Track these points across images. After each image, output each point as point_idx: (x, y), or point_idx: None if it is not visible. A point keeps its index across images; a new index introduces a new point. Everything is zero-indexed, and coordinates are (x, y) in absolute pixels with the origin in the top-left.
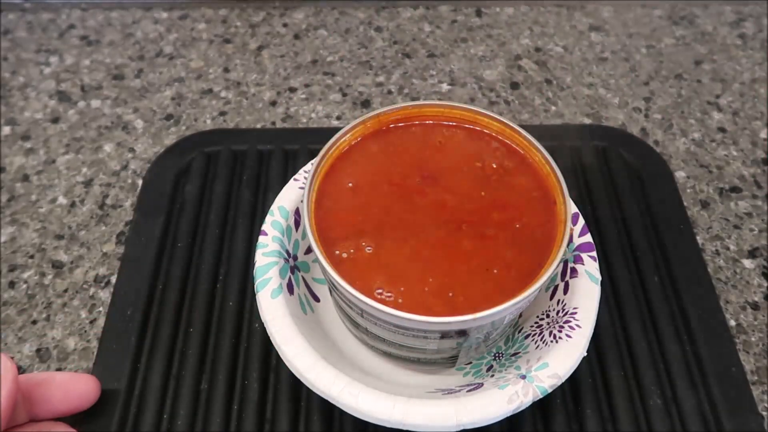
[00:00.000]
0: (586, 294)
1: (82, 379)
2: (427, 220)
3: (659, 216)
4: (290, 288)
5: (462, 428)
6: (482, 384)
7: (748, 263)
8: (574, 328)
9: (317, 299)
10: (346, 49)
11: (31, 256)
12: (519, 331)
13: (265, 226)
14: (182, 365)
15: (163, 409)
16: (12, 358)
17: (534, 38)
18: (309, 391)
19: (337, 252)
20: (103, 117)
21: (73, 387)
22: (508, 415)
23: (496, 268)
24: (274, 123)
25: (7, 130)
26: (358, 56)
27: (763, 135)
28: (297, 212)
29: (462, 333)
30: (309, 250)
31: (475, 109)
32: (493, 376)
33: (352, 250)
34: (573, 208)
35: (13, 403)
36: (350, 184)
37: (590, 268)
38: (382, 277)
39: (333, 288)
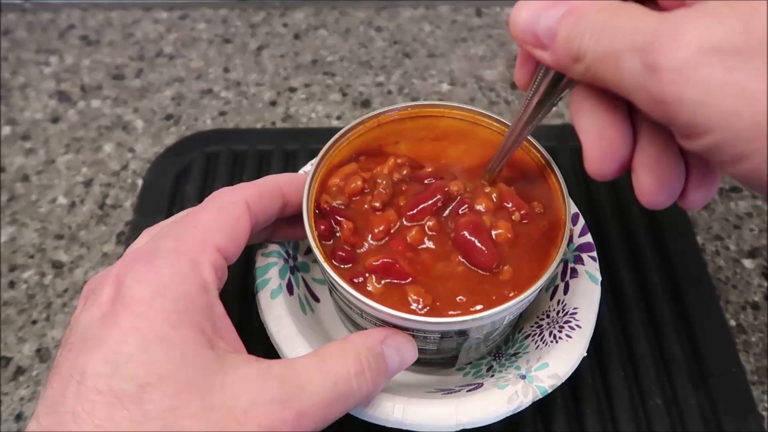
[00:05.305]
0: (586, 294)
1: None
2: (426, 219)
3: (659, 216)
4: (290, 288)
5: (462, 428)
6: (482, 384)
7: (748, 263)
8: (574, 329)
9: (317, 299)
10: (346, 49)
11: (31, 256)
12: (519, 331)
13: None
14: None
15: None
16: None
17: None
18: None
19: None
20: (103, 117)
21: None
22: (508, 415)
23: (496, 268)
24: (274, 123)
25: (7, 130)
26: (358, 56)
27: None
28: None
29: (462, 333)
30: (309, 250)
31: (475, 109)
32: (493, 376)
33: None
34: (573, 208)
35: None
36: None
37: (590, 268)
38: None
39: (333, 288)
